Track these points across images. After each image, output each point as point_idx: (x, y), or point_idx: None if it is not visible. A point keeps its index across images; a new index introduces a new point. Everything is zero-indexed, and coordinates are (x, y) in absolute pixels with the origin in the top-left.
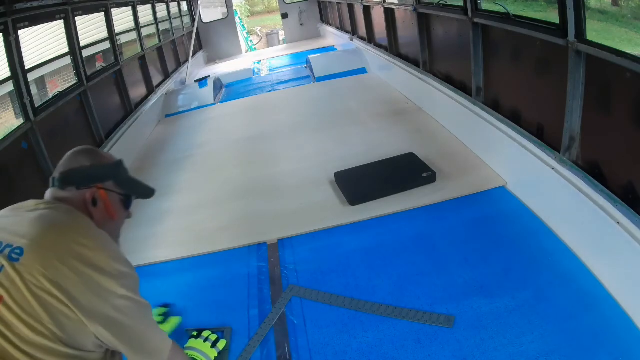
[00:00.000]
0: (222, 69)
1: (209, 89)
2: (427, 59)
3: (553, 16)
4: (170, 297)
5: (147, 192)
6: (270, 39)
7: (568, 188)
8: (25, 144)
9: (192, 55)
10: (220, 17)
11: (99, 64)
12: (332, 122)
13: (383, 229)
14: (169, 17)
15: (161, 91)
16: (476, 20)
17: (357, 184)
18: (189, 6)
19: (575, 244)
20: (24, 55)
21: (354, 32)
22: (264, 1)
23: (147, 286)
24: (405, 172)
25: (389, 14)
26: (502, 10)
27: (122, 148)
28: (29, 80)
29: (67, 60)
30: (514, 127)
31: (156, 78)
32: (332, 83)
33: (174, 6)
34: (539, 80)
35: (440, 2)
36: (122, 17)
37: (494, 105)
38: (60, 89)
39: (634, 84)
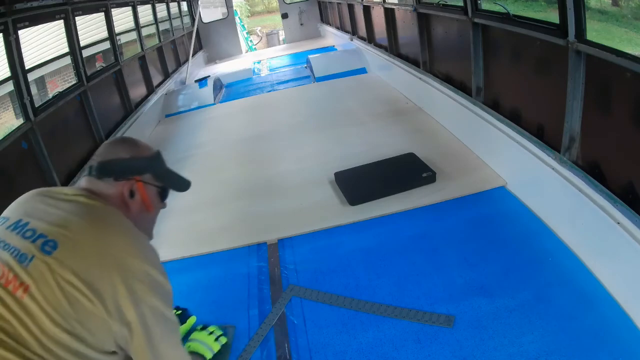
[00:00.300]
0: (222, 69)
1: (209, 89)
2: (427, 59)
3: (553, 16)
4: None
5: (184, 185)
6: (270, 39)
7: (568, 188)
8: (25, 144)
9: (192, 55)
10: (220, 17)
11: (99, 64)
12: (332, 122)
13: (383, 229)
14: (169, 17)
15: (161, 91)
16: (476, 20)
17: (357, 184)
18: (189, 6)
19: (575, 244)
20: (24, 55)
21: (354, 32)
22: (264, 1)
23: None
24: (405, 172)
25: (389, 14)
26: (502, 10)
27: None
28: (29, 80)
29: (67, 60)
30: (514, 127)
31: (156, 78)
32: (332, 83)
33: (174, 6)
34: (539, 80)
35: (440, 2)
36: (122, 17)
37: (494, 105)
38: (60, 89)
39: (634, 84)
